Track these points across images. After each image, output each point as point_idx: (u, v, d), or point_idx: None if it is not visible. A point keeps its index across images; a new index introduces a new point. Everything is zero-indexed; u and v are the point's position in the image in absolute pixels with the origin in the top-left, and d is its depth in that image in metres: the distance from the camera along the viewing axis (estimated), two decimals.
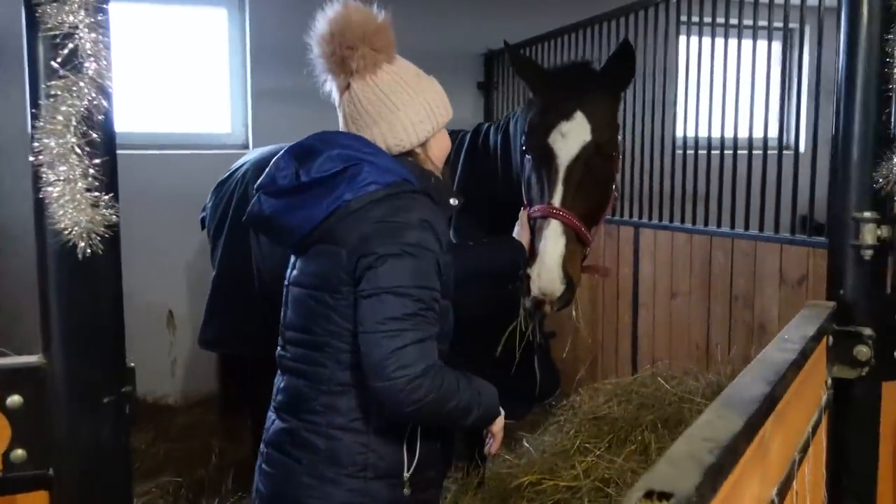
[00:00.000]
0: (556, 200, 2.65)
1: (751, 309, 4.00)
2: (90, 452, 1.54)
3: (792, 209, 4.01)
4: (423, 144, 2.06)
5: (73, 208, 1.44)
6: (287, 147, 2.07)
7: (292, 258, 2.13)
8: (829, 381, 2.00)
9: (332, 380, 1.94)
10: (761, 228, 4.04)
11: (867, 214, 2.03)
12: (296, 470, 1.96)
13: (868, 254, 2.03)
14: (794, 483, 1.53)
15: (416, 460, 1.97)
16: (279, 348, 2.12)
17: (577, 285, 2.67)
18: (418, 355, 1.81)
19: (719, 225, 4.28)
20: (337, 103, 2.12)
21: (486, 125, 3.39)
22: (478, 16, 6.44)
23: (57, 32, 1.44)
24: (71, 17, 1.43)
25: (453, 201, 2.11)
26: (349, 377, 1.93)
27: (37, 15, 1.43)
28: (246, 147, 5.96)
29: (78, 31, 1.45)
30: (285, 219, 1.98)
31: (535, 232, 2.71)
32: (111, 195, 1.50)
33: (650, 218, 4.79)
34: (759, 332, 3.95)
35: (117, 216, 1.50)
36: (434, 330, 1.89)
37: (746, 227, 4.14)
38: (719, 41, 4.31)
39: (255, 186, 2.09)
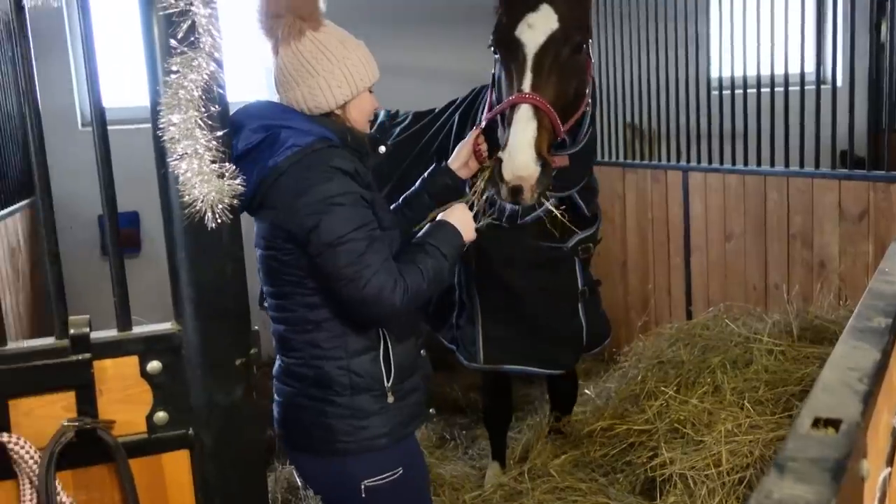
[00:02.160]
0: (526, 86, 2.63)
1: (810, 247, 4.00)
2: (226, 412, 1.63)
3: (832, 144, 3.96)
4: (343, 107, 2.22)
5: (200, 181, 1.50)
6: None
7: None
8: None
9: (304, 321, 2.19)
10: (817, 165, 4.03)
11: None
12: (294, 395, 2.27)
13: None
14: None
15: (392, 372, 2.22)
16: (265, 302, 2.37)
17: (551, 171, 2.60)
18: (386, 276, 2.06)
19: (772, 164, 4.26)
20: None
21: None
22: None
23: (173, 10, 1.49)
24: None
25: (382, 149, 2.44)
26: (318, 315, 2.17)
27: None
28: None
29: (193, 7, 1.49)
30: None
31: (504, 127, 2.66)
32: (234, 166, 1.55)
33: (699, 161, 4.76)
34: (819, 269, 3.95)
35: (243, 186, 1.55)
36: (386, 249, 2.12)
37: (801, 165, 4.12)
38: None
39: None
